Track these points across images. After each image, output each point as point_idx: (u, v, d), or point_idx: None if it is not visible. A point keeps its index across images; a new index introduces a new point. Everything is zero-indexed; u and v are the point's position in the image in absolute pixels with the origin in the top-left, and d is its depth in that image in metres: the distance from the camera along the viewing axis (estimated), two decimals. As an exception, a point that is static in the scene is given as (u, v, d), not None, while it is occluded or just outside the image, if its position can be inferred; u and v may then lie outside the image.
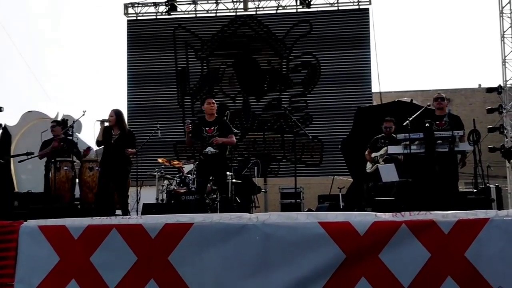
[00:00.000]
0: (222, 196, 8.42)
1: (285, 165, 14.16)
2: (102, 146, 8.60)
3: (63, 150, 9.34)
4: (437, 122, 7.87)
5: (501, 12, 15.67)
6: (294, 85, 14.46)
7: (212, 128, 8.07)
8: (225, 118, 9.12)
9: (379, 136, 9.16)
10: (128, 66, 15.27)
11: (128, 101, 15.15)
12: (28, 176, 13.28)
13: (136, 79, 15.14)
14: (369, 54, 14.36)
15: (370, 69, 14.32)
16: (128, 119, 14.89)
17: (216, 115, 8.27)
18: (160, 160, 10.83)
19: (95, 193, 8.80)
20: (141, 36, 15.32)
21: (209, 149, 7.99)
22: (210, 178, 8.59)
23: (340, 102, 14.26)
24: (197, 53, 14.94)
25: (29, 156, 9.42)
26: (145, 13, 15.56)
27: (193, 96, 14.79)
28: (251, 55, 14.69)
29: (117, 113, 8.56)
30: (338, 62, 14.43)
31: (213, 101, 8.25)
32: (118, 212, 9.24)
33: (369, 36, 14.41)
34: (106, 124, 8.49)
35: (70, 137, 9.38)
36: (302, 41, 14.60)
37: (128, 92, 15.18)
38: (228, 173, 9.37)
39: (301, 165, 13.38)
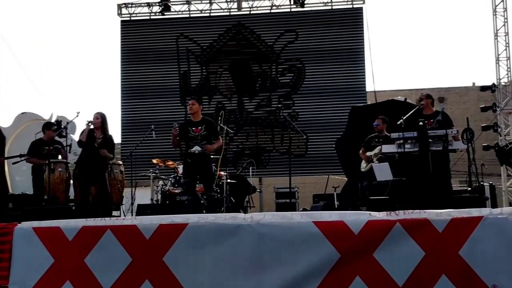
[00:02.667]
0: (208, 194, 8.43)
1: (279, 164, 14.24)
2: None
3: (53, 155, 9.39)
4: (425, 121, 7.87)
5: (495, 11, 15.73)
6: (283, 86, 14.90)
7: (200, 127, 8.13)
8: (219, 118, 9.15)
9: (373, 135, 9.19)
10: (122, 66, 15.29)
11: (122, 101, 15.16)
12: (22, 178, 13.20)
13: (130, 79, 15.17)
14: (363, 53, 14.45)
15: (364, 68, 14.42)
16: (121, 121, 14.94)
17: (202, 116, 8.33)
18: (154, 160, 10.82)
19: (78, 196, 8.85)
20: (135, 36, 15.33)
21: (196, 148, 8.07)
22: (198, 177, 8.58)
23: (334, 101, 14.34)
24: (197, 59, 15.18)
25: (23, 158, 9.41)
26: (139, 13, 15.57)
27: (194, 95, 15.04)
28: (244, 60, 15.08)
29: (102, 116, 8.66)
30: (332, 62, 14.51)
31: (193, 101, 8.29)
32: (114, 213, 9.25)
33: (363, 35, 14.49)
34: (91, 126, 8.54)
35: (63, 139, 9.38)
36: (296, 41, 14.73)
37: (122, 93, 15.20)
38: (222, 173, 9.37)
39: (294, 161, 13.39)
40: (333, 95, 14.42)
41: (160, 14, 15.42)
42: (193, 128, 8.15)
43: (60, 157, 9.49)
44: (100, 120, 8.60)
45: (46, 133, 9.69)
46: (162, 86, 15.05)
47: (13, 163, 9.78)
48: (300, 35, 14.78)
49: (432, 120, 7.89)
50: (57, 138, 9.71)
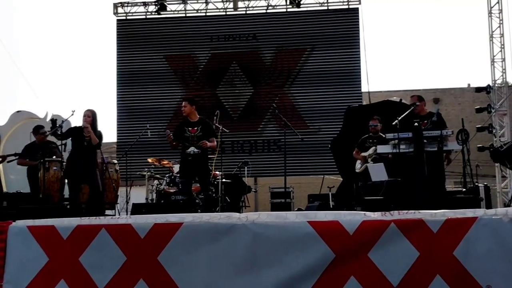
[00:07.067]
0: (205, 194, 8.46)
1: (275, 164, 14.19)
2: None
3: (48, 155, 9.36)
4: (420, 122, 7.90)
5: (490, 12, 15.76)
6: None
7: (195, 128, 8.17)
8: (215, 117, 9.10)
9: (366, 136, 9.21)
10: (117, 65, 15.25)
11: (117, 101, 15.14)
12: (17, 176, 13.17)
13: (126, 78, 15.14)
14: (359, 54, 14.44)
15: (359, 69, 14.42)
16: (117, 119, 14.91)
17: (198, 116, 8.33)
18: (149, 160, 10.81)
19: (69, 194, 8.84)
20: (131, 35, 15.31)
21: (192, 149, 8.09)
22: (194, 177, 8.61)
23: (330, 101, 14.36)
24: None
25: (17, 157, 9.39)
26: (135, 12, 15.54)
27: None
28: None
29: (93, 113, 8.59)
30: (328, 62, 14.52)
31: (184, 103, 8.40)
32: (109, 212, 9.24)
33: (358, 36, 14.50)
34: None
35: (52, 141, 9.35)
36: (292, 41, 14.71)
37: (117, 92, 15.17)
38: (217, 172, 9.38)
39: (290, 164, 13.38)
40: (329, 96, 14.40)
41: (156, 13, 15.40)
42: (189, 129, 8.17)
43: (55, 156, 9.45)
44: (91, 118, 8.56)
45: (36, 137, 9.68)
46: (159, 85, 15.01)
47: (8, 162, 9.75)
48: (296, 35, 14.75)
49: (426, 121, 7.94)
50: (49, 138, 9.65)
